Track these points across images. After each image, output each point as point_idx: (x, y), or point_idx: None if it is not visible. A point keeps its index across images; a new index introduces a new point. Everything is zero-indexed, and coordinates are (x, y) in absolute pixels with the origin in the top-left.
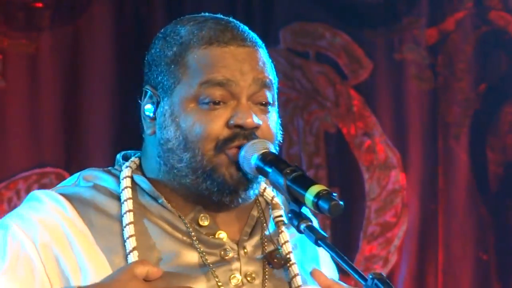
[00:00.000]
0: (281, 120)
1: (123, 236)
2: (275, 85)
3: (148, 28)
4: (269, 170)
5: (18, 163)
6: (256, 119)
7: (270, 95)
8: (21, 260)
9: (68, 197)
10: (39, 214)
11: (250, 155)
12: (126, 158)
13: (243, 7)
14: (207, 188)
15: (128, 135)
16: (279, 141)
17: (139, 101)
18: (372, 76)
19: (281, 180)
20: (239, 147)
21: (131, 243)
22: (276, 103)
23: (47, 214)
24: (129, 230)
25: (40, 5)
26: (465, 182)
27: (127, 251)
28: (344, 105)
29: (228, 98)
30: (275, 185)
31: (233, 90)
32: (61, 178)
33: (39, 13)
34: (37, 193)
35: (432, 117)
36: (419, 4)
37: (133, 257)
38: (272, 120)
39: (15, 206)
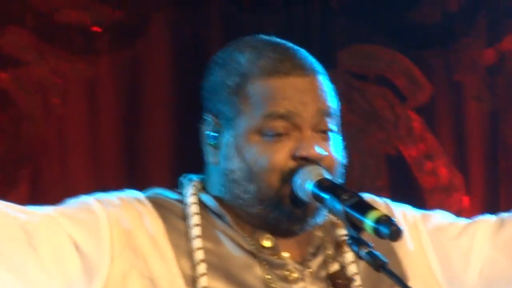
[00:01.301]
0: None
1: (191, 245)
2: (338, 111)
3: (206, 49)
4: (326, 196)
5: (79, 187)
6: (319, 150)
7: (333, 123)
8: (88, 212)
9: (146, 196)
10: (120, 196)
11: (305, 182)
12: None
13: (301, 29)
14: (276, 218)
15: (187, 159)
16: (344, 165)
17: (199, 125)
18: (432, 97)
19: (339, 206)
20: None
21: (199, 256)
22: (339, 129)
23: (128, 198)
24: (197, 242)
25: (98, 29)
26: None
27: (195, 262)
28: (404, 127)
29: (291, 130)
30: (332, 212)
31: (295, 121)
32: None
33: (98, 37)
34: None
35: (493, 139)
36: (476, 24)
37: (201, 268)
38: (336, 147)
39: None
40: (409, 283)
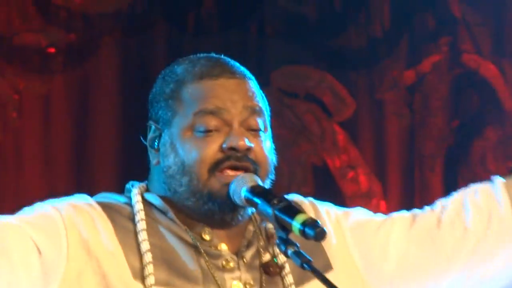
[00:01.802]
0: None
1: (137, 240)
2: (267, 114)
3: (150, 68)
4: (258, 201)
5: (33, 194)
6: (248, 142)
7: (261, 122)
8: (45, 218)
9: (95, 200)
10: (72, 202)
11: (239, 188)
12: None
13: (238, 51)
14: (210, 209)
15: (132, 168)
16: (274, 165)
17: (143, 135)
18: (355, 113)
19: (270, 210)
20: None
21: (145, 247)
22: (268, 129)
23: (79, 203)
24: (142, 235)
25: (53, 50)
26: None
27: (142, 253)
28: (330, 140)
29: (222, 126)
30: (263, 215)
31: (225, 117)
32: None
33: (52, 57)
34: (76, 195)
35: (409, 151)
36: (398, 48)
37: (147, 258)
38: (265, 145)
39: None
40: (333, 273)
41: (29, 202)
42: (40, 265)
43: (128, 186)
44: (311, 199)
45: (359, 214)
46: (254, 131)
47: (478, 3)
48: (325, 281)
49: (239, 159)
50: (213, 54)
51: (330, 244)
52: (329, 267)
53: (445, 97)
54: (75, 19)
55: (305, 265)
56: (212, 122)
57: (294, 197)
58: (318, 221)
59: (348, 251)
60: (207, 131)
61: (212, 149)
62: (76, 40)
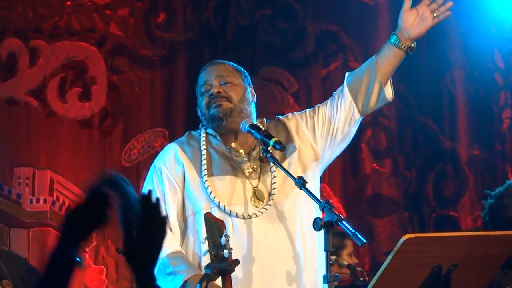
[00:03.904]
0: None
1: (201, 155)
2: (242, 75)
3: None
4: (253, 131)
5: (144, 125)
6: (216, 89)
7: (228, 79)
8: (165, 178)
9: (178, 143)
10: (167, 154)
11: (244, 125)
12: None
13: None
14: (216, 124)
15: (184, 117)
16: (245, 98)
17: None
18: (298, 88)
19: (258, 136)
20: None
21: (203, 157)
22: (239, 82)
23: (170, 152)
24: (202, 152)
25: (155, 58)
26: None
27: (201, 160)
28: (287, 103)
29: (209, 88)
30: (256, 137)
31: (208, 83)
32: (164, 134)
33: (155, 61)
34: (169, 144)
35: None
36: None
37: (203, 162)
38: (231, 89)
39: (142, 151)
40: (297, 150)
41: (141, 130)
42: (177, 183)
43: (200, 125)
44: (291, 114)
45: (309, 113)
46: (225, 84)
47: (356, 35)
48: (285, 170)
49: (216, 97)
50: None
51: (294, 135)
52: (294, 148)
53: (340, 82)
54: (165, 42)
55: (274, 161)
56: (204, 88)
57: (284, 116)
58: (281, 141)
59: (303, 131)
60: (204, 92)
61: (206, 98)
62: (166, 53)
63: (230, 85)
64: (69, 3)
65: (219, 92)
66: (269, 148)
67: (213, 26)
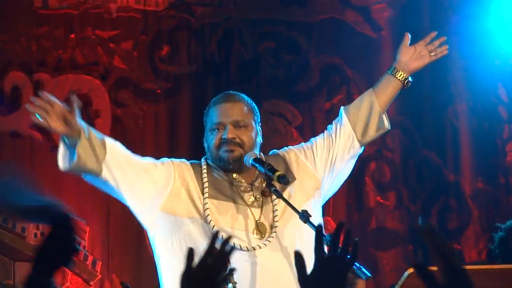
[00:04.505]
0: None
1: (202, 177)
2: (252, 118)
3: (204, 102)
4: (257, 165)
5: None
6: (231, 134)
7: (243, 123)
8: (167, 165)
9: (188, 161)
10: (181, 164)
11: (249, 158)
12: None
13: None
14: (223, 164)
15: (188, 150)
16: (259, 143)
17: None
18: (302, 123)
19: (262, 169)
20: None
21: (205, 179)
22: (252, 126)
23: (183, 165)
24: (204, 175)
25: (159, 91)
26: None
27: (203, 181)
28: (290, 135)
29: (221, 128)
30: (259, 171)
31: (222, 124)
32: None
33: (159, 95)
34: (183, 160)
35: None
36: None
37: (205, 184)
38: (245, 134)
39: None
40: (297, 181)
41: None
42: (162, 180)
43: (202, 158)
44: (287, 148)
45: (306, 145)
46: (239, 128)
47: (360, 68)
48: (289, 204)
49: (229, 142)
50: (229, 91)
51: (294, 167)
52: (294, 178)
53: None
54: (169, 75)
55: (279, 195)
56: (216, 126)
57: (282, 150)
58: (285, 175)
59: (302, 161)
60: (215, 130)
61: (217, 138)
62: (171, 86)
63: (244, 129)
64: (73, 36)
65: (233, 138)
66: (272, 182)
67: (217, 59)
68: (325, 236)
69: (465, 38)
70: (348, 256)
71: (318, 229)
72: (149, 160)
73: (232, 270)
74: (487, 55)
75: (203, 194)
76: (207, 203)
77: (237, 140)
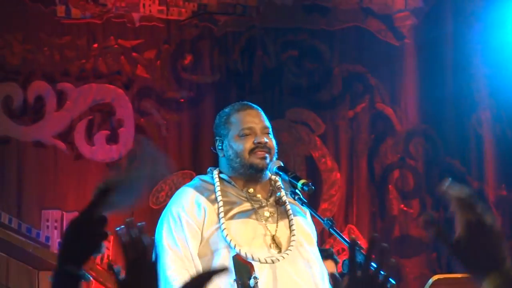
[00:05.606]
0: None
1: (216, 199)
2: (270, 126)
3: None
4: (281, 173)
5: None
6: (265, 139)
7: (269, 129)
8: (184, 224)
9: (193, 187)
10: (184, 198)
11: (273, 166)
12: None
13: (271, 106)
14: (251, 173)
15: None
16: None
17: (212, 146)
18: (325, 131)
19: (287, 177)
20: (263, 155)
21: (219, 199)
22: (271, 133)
23: (188, 196)
24: (218, 195)
25: (182, 100)
26: None
27: (218, 204)
28: (313, 143)
29: (251, 133)
30: (284, 179)
31: (252, 129)
32: (191, 176)
33: (183, 104)
34: (182, 188)
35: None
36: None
37: (219, 204)
38: (273, 140)
39: (170, 193)
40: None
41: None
42: (195, 234)
43: (209, 169)
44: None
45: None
46: (267, 133)
47: (383, 76)
48: (314, 212)
49: (264, 147)
50: (244, 102)
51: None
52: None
53: (367, 123)
54: (192, 84)
55: (303, 202)
56: (247, 131)
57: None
58: (310, 182)
59: (311, 226)
60: (246, 135)
61: (249, 143)
62: (194, 95)
63: (270, 137)
64: (96, 45)
65: (267, 142)
66: (297, 190)
67: (240, 68)
68: (348, 243)
69: (488, 45)
70: (382, 276)
71: (352, 244)
72: (182, 249)
73: (256, 278)
74: (510, 62)
75: (218, 217)
76: (223, 223)
77: (270, 145)
